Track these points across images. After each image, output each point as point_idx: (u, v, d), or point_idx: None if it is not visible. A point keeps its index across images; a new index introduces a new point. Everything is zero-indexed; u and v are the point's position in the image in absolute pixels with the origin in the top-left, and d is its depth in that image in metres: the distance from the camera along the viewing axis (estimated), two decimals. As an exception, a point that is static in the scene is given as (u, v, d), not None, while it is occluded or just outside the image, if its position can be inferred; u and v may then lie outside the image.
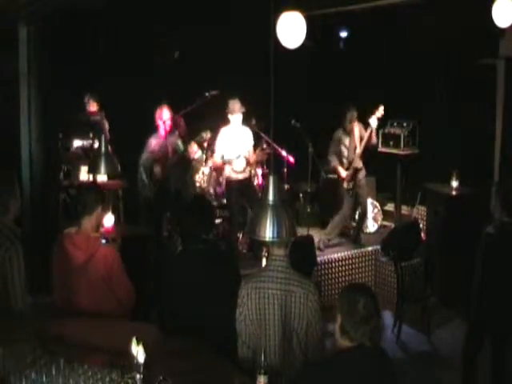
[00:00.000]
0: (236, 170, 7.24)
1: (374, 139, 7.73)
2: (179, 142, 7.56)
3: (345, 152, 7.76)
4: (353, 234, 8.19)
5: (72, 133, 7.61)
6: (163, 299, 4.22)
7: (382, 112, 7.58)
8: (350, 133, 7.68)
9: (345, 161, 7.75)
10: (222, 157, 7.24)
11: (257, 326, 3.66)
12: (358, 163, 7.67)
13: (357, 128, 7.71)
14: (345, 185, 7.71)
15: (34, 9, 5.53)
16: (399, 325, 6.52)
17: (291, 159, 7.81)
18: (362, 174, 7.76)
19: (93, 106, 7.85)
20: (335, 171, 7.80)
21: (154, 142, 7.35)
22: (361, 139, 7.67)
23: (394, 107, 8.47)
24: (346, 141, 7.72)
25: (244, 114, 7.22)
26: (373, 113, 7.60)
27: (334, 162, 7.74)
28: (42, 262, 4.44)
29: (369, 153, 8.13)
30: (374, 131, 7.65)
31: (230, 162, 7.22)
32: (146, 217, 7.48)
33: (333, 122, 7.92)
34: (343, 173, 7.70)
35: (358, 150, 7.65)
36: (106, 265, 4.16)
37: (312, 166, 7.96)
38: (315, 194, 8.57)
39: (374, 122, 7.57)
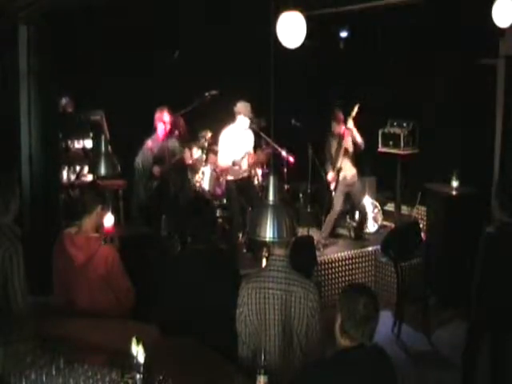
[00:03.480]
0: (243, 170, 7.26)
1: (358, 140, 7.75)
2: (177, 145, 7.57)
3: (332, 154, 7.86)
4: (354, 232, 8.23)
5: (72, 133, 7.60)
6: (163, 299, 4.22)
7: (356, 110, 7.63)
8: (336, 136, 7.77)
9: (332, 162, 7.90)
10: (227, 159, 7.25)
11: (257, 325, 3.66)
12: (341, 163, 7.77)
13: (349, 133, 7.74)
14: (331, 186, 7.86)
15: (34, 9, 5.52)
16: (399, 325, 6.52)
17: (291, 159, 7.81)
18: (350, 174, 7.82)
19: (70, 107, 7.85)
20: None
21: (150, 143, 7.35)
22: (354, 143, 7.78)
23: (394, 107, 8.48)
24: (334, 143, 7.85)
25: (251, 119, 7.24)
26: (349, 115, 7.67)
27: (328, 167, 7.91)
28: (42, 262, 4.44)
29: (368, 153, 8.15)
30: (355, 132, 7.69)
31: (237, 163, 7.25)
32: (144, 217, 7.47)
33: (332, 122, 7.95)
34: (329, 176, 7.83)
35: (340, 151, 7.77)
36: (106, 265, 4.16)
37: (312, 166, 7.97)
38: (315, 194, 8.57)
39: (349, 123, 7.64)
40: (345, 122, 7.71)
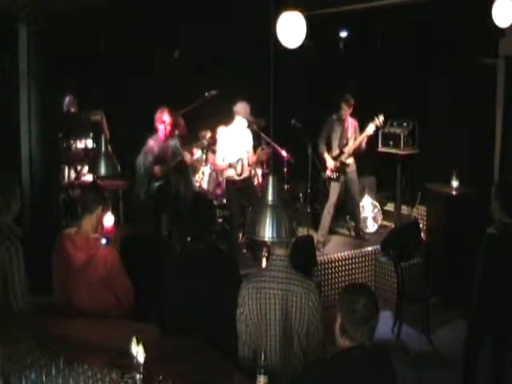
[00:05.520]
0: (238, 173, 7.26)
1: (363, 145, 7.78)
2: (178, 146, 7.57)
3: (335, 141, 7.80)
4: (354, 232, 8.23)
5: (72, 133, 7.60)
6: (163, 299, 4.22)
7: (382, 122, 7.63)
8: (343, 122, 7.72)
9: (333, 149, 7.81)
10: (223, 159, 7.23)
11: (257, 325, 3.66)
12: (347, 158, 7.73)
13: (351, 121, 7.74)
14: (328, 173, 7.79)
15: (34, 9, 5.53)
16: (399, 325, 6.52)
17: (290, 158, 7.80)
18: (351, 170, 7.81)
19: (73, 107, 7.85)
20: (322, 157, 7.85)
21: (152, 143, 7.35)
22: (355, 137, 7.73)
23: (394, 107, 8.48)
24: (338, 130, 7.77)
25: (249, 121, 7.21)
26: (372, 119, 7.64)
27: (322, 148, 7.81)
28: (42, 262, 4.44)
29: (368, 153, 8.15)
30: (364, 137, 7.71)
31: (233, 166, 7.24)
32: (146, 217, 7.47)
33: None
34: (330, 162, 7.76)
35: (349, 147, 7.70)
36: (106, 265, 4.17)
37: (312, 166, 7.96)
38: (315, 194, 8.57)
39: (371, 129, 7.66)
40: (353, 112, 7.71)
